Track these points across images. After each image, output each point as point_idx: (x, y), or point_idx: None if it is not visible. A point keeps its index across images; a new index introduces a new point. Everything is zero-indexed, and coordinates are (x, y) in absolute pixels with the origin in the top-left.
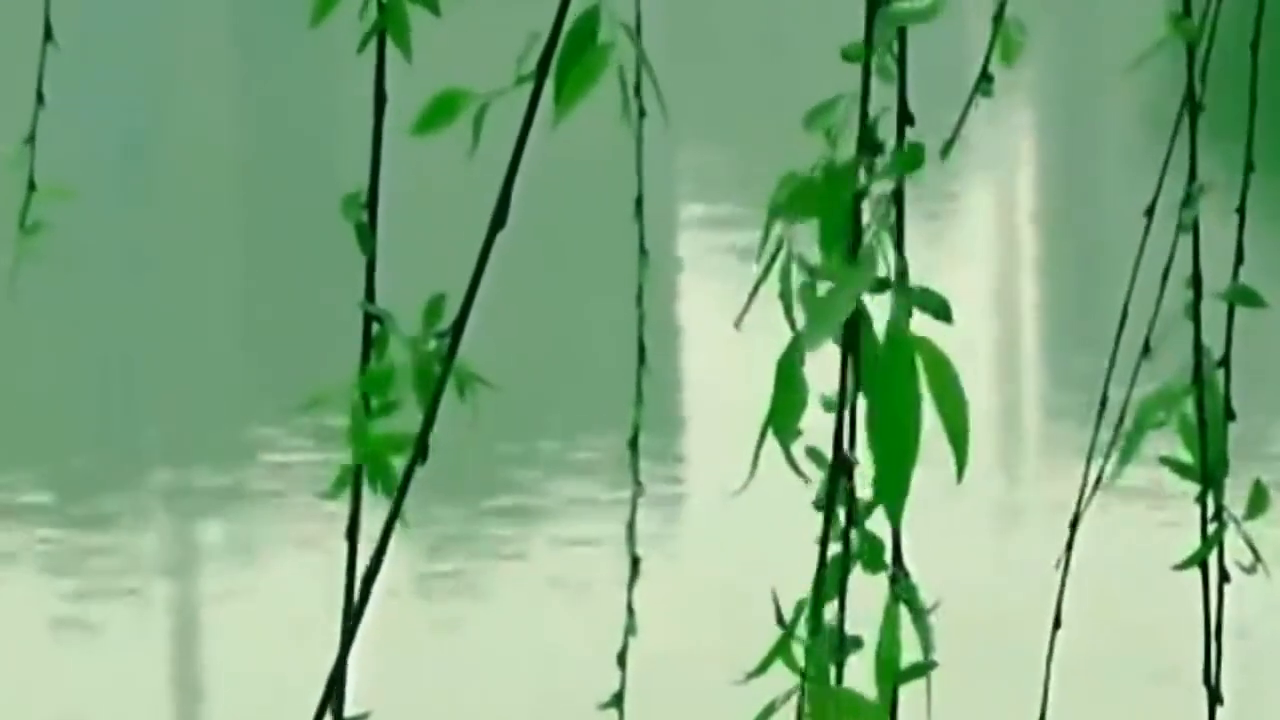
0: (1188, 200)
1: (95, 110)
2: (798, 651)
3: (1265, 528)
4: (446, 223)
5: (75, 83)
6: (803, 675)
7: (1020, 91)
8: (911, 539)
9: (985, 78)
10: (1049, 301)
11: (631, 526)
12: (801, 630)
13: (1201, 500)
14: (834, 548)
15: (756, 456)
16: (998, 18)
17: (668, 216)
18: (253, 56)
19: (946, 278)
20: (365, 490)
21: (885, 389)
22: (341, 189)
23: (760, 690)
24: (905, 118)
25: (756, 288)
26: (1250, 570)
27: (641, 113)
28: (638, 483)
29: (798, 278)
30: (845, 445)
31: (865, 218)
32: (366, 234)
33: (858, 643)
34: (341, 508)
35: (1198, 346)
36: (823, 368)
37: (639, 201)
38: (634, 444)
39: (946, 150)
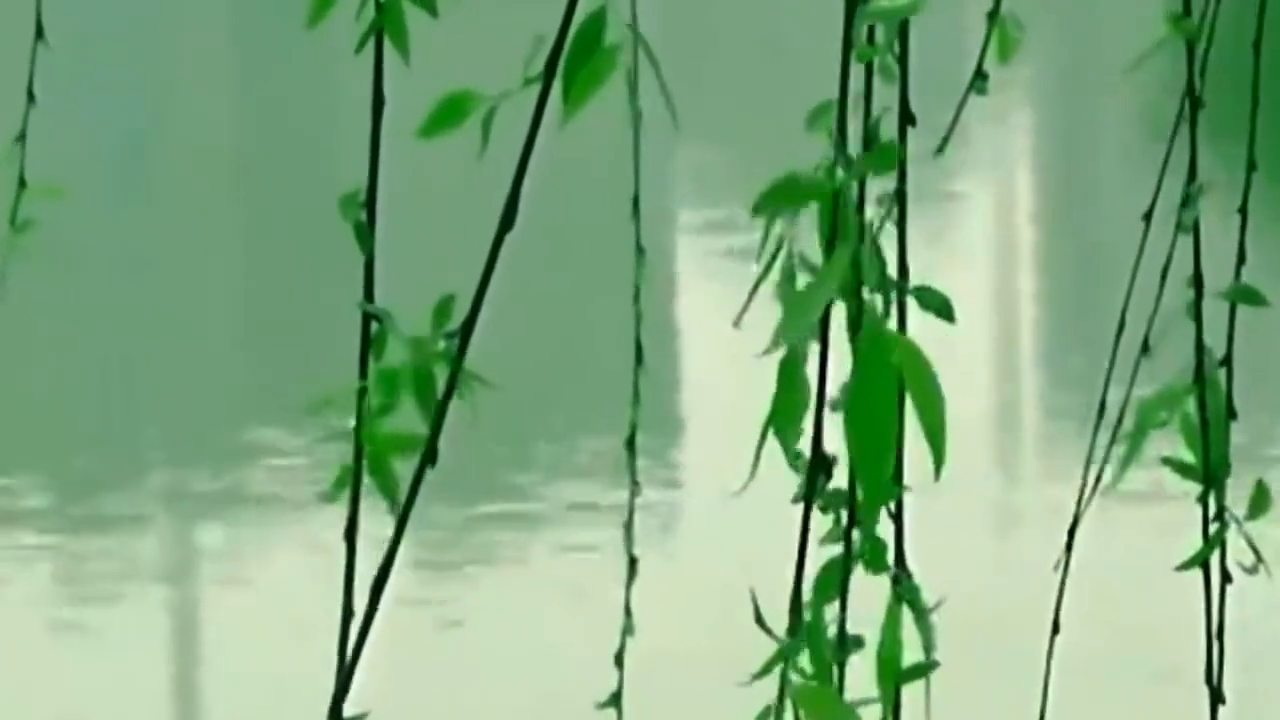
0: (1188, 200)
1: (94, 110)
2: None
3: (1267, 528)
4: (447, 223)
5: (75, 82)
6: (783, 674)
7: (1020, 91)
8: (910, 540)
9: (980, 75)
10: (1048, 301)
11: (629, 527)
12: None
13: (1203, 500)
14: (834, 549)
15: (758, 458)
16: (993, 15)
17: (667, 216)
18: (252, 56)
19: (946, 277)
20: (363, 491)
21: (864, 387)
22: (341, 189)
23: (760, 690)
24: (907, 117)
25: (756, 287)
26: (1252, 571)
27: (636, 114)
28: (635, 483)
29: (801, 278)
30: (824, 443)
31: (868, 216)
32: (365, 233)
33: (859, 642)
34: (341, 509)
35: (1199, 346)
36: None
37: (636, 201)
38: (631, 444)
39: (941, 148)
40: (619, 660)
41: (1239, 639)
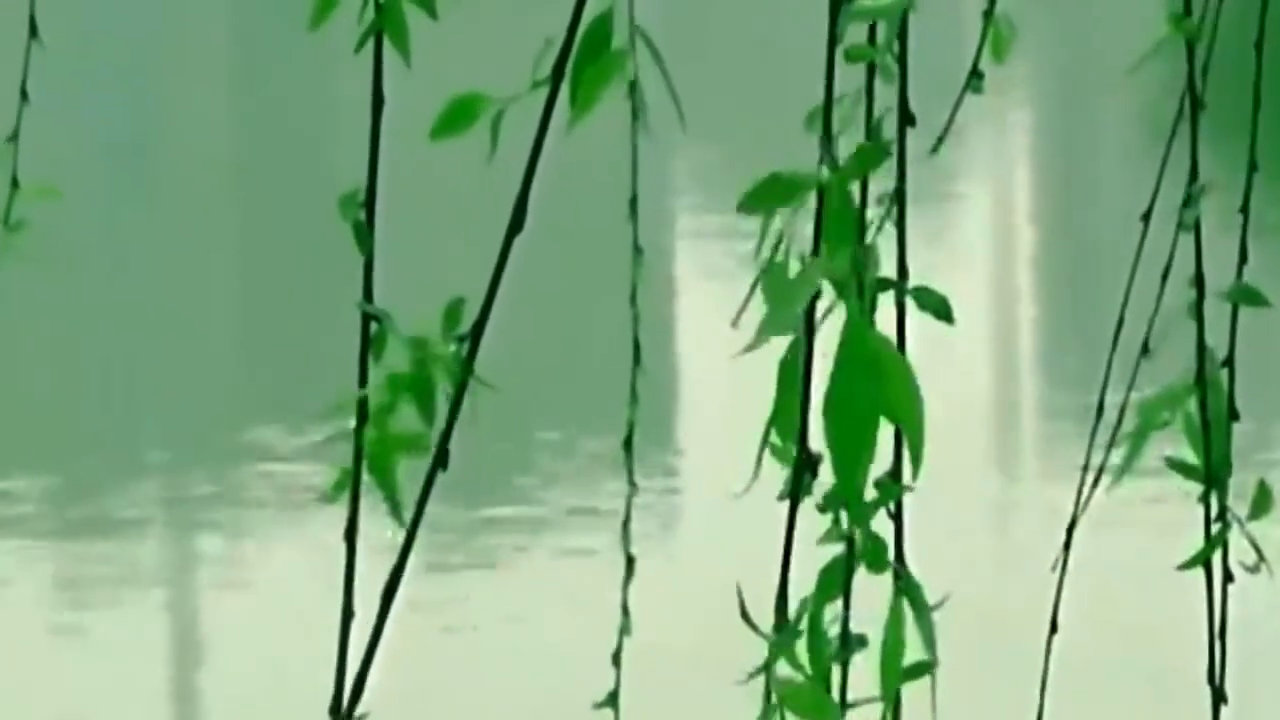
0: (1189, 200)
1: (94, 110)
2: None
3: (1269, 528)
4: (449, 224)
5: (75, 82)
6: (767, 673)
7: (1019, 91)
8: (909, 540)
9: (976, 74)
10: (1047, 302)
11: (626, 526)
12: (803, 629)
13: (1205, 500)
14: (829, 548)
15: (760, 458)
16: (988, 14)
17: (666, 217)
18: (252, 57)
19: (946, 277)
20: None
21: (843, 385)
22: (341, 189)
23: (758, 690)
24: (906, 117)
25: (754, 286)
26: (1254, 570)
27: (636, 115)
28: (632, 483)
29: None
30: (811, 441)
31: (869, 216)
32: (364, 234)
33: (863, 641)
34: (341, 509)
35: (1201, 346)
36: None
37: (634, 201)
38: (629, 444)
39: (936, 147)
40: (616, 660)
41: (1241, 639)
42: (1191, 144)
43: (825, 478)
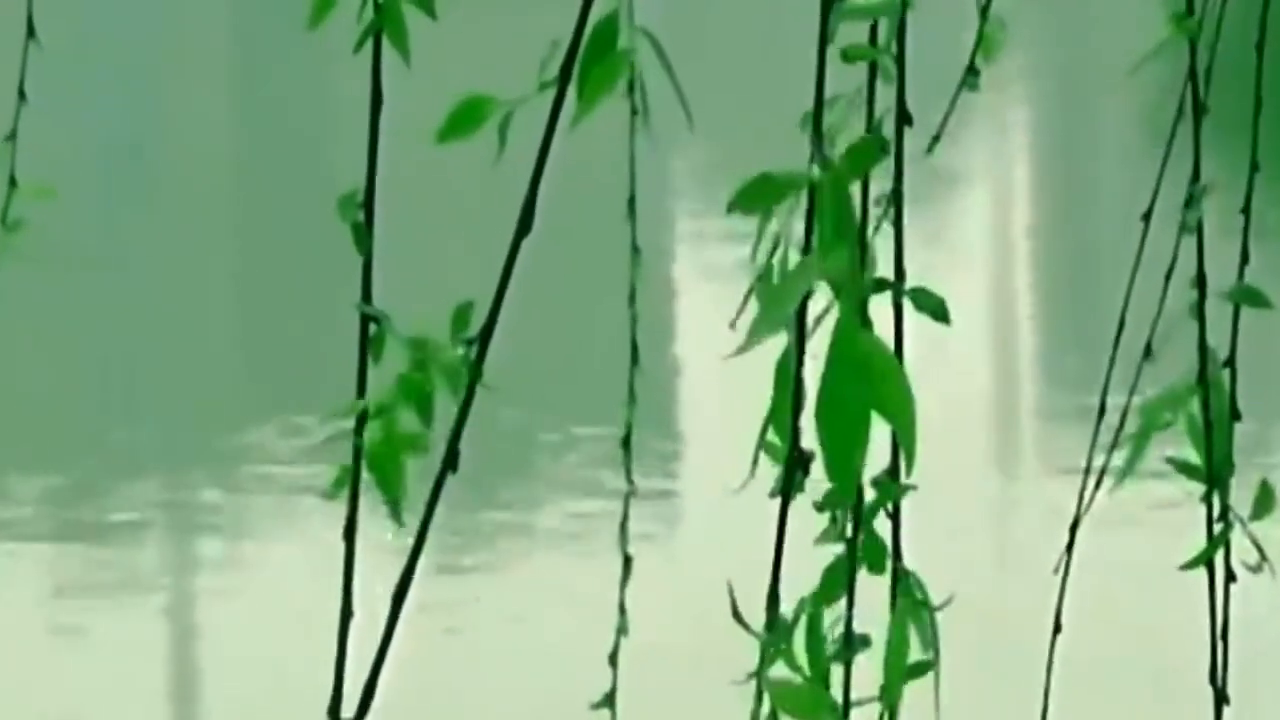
0: (1191, 200)
1: (92, 110)
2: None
3: (1271, 528)
4: (447, 224)
5: (72, 82)
6: (759, 671)
7: (1019, 91)
8: (909, 540)
9: (972, 72)
10: (1047, 302)
11: (624, 526)
12: (801, 629)
13: (1207, 500)
14: (822, 547)
15: (756, 457)
16: (984, 11)
17: (666, 217)
18: (251, 57)
19: (944, 278)
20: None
21: (835, 384)
22: (341, 190)
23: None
24: (904, 117)
25: (752, 287)
26: (1256, 570)
27: (634, 112)
28: (630, 482)
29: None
30: (803, 439)
31: (867, 216)
32: (363, 234)
33: (866, 642)
34: (340, 510)
35: (1203, 346)
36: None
37: (632, 201)
38: (626, 443)
39: (932, 146)
40: (613, 660)
41: (1243, 639)
42: (1194, 144)
43: (824, 479)
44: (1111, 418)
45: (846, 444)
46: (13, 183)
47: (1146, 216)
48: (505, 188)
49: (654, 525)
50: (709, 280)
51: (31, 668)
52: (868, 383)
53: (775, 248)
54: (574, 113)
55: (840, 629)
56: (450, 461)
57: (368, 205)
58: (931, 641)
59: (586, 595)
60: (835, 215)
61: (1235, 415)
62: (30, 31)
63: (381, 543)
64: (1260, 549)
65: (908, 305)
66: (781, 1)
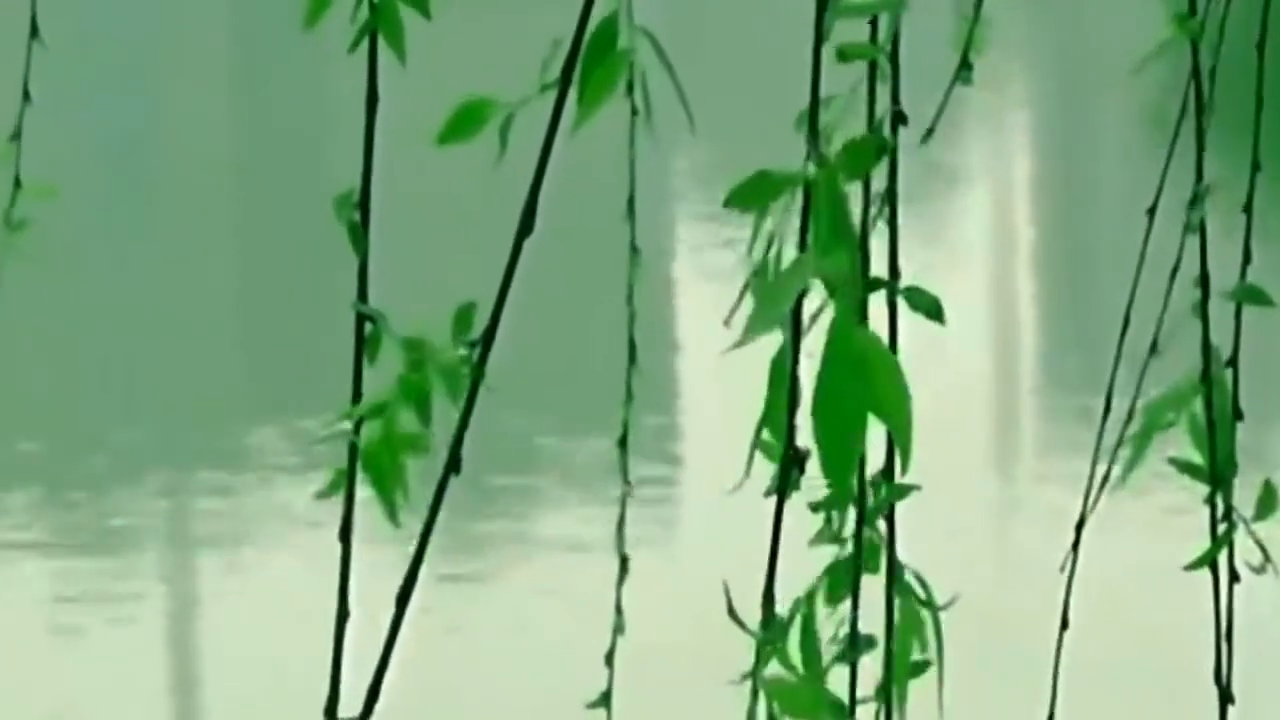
0: (1194, 200)
1: (92, 110)
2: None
3: (1274, 528)
4: (445, 224)
5: (73, 82)
6: (756, 669)
7: (1019, 90)
8: (909, 541)
9: (965, 66)
10: (1048, 302)
11: (621, 526)
12: (797, 628)
13: (1210, 501)
14: (820, 548)
15: (751, 456)
16: (978, 5)
17: (666, 217)
18: (251, 57)
19: (946, 278)
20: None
21: (831, 383)
22: (339, 189)
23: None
24: (899, 116)
25: (747, 285)
26: (1259, 570)
27: (634, 112)
28: (627, 482)
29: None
30: (799, 438)
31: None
32: (359, 234)
33: (871, 642)
34: (339, 510)
35: (1206, 346)
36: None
37: (631, 201)
38: (623, 443)
39: (926, 137)
40: (609, 660)
41: (1247, 639)
42: (1197, 144)
43: (820, 478)
44: (1115, 417)
45: (843, 441)
46: (17, 183)
47: (1151, 211)
48: (504, 188)
49: (652, 525)
50: (708, 280)
51: (31, 668)
52: (864, 380)
53: (770, 245)
54: (575, 116)
55: (843, 629)
56: (453, 463)
57: (363, 205)
58: (933, 641)
59: (585, 595)
60: (831, 213)
61: (1238, 415)
62: (34, 31)
63: (381, 543)
64: (1264, 549)
65: (903, 304)
66: (780, 1)
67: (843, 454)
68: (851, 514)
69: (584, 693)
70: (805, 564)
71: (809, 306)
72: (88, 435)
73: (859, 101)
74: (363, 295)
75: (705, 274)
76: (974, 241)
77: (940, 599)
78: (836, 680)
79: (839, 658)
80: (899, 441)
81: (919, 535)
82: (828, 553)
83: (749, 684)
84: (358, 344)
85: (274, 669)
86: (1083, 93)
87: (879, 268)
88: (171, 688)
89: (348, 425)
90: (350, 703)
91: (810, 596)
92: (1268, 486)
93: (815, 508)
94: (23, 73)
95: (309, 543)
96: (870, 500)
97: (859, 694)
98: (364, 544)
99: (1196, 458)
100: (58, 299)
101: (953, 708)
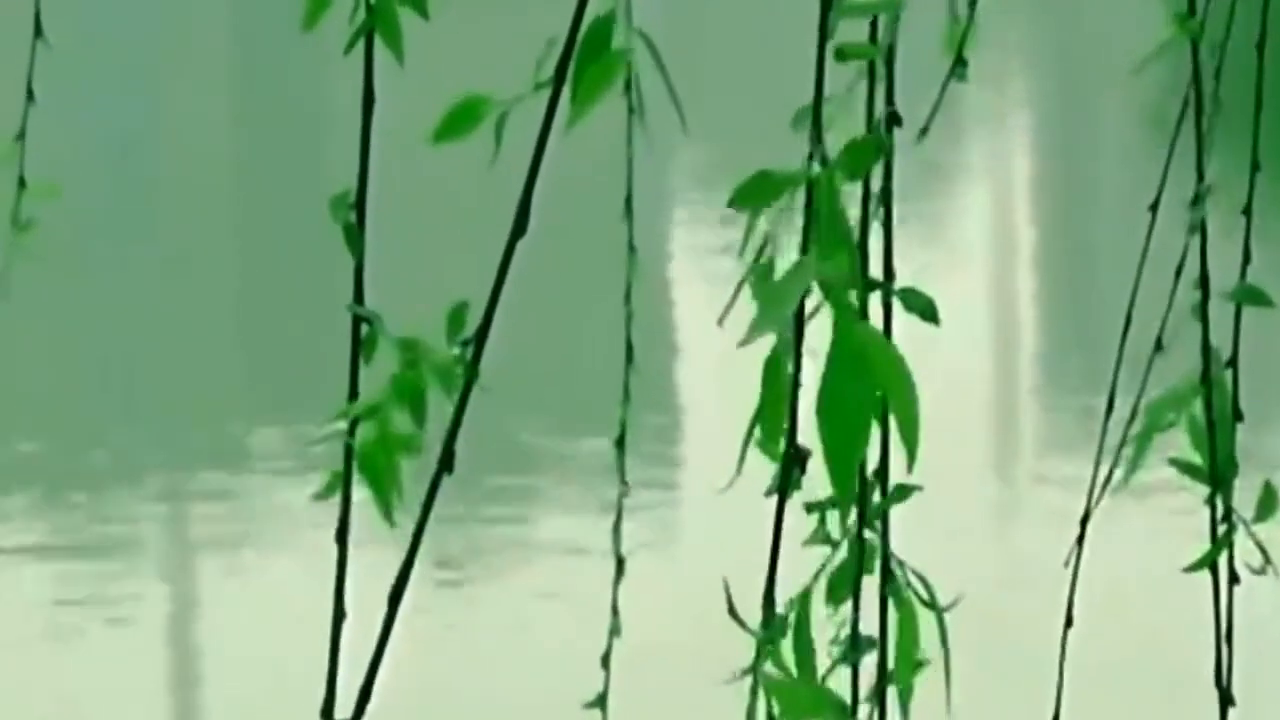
0: (1195, 200)
1: (92, 109)
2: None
3: (1275, 529)
4: (443, 225)
5: (73, 82)
6: (755, 668)
7: (1019, 90)
8: (909, 541)
9: (960, 63)
10: (1048, 302)
11: (617, 527)
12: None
13: (1211, 502)
14: (817, 549)
15: (743, 455)
16: (971, 7)
17: (664, 217)
18: (251, 57)
19: (944, 278)
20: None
21: (837, 382)
22: (338, 190)
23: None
24: (893, 116)
25: (741, 284)
26: (1260, 572)
27: (630, 111)
28: (624, 482)
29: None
30: (800, 437)
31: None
32: (354, 235)
33: (873, 643)
34: (337, 510)
35: (1206, 346)
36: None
37: (629, 200)
38: (620, 443)
39: (922, 135)
40: (605, 661)
41: (1247, 640)
42: (1197, 145)
43: (817, 479)
44: (1119, 415)
45: (847, 440)
46: (22, 183)
47: (1154, 207)
48: (503, 188)
49: (651, 526)
50: (706, 281)
51: (30, 669)
52: (869, 377)
53: (765, 245)
54: (569, 114)
55: (844, 630)
56: (446, 462)
57: (359, 206)
58: (939, 643)
59: (583, 596)
60: (830, 214)
61: (1238, 416)
62: (38, 31)
63: (380, 544)
64: (1264, 551)
65: (898, 305)
66: (780, 1)
67: (847, 452)
68: (846, 515)
69: (582, 694)
70: (805, 564)
71: (807, 306)
72: (88, 435)
73: (855, 101)
74: (359, 296)
75: (704, 274)
76: (974, 241)
77: (941, 600)
78: (837, 680)
79: (841, 659)
80: (906, 438)
81: (919, 535)
82: (826, 553)
83: (748, 684)
84: (354, 345)
85: (274, 670)
86: (1083, 93)
87: (874, 268)
88: (171, 688)
89: (343, 426)
90: (347, 704)
91: (805, 596)
92: (1268, 488)
93: (810, 508)
94: (26, 72)
95: (309, 544)
96: (875, 500)
97: (861, 694)
98: (363, 545)
99: (1197, 459)
100: (57, 299)
101: (955, 707)
